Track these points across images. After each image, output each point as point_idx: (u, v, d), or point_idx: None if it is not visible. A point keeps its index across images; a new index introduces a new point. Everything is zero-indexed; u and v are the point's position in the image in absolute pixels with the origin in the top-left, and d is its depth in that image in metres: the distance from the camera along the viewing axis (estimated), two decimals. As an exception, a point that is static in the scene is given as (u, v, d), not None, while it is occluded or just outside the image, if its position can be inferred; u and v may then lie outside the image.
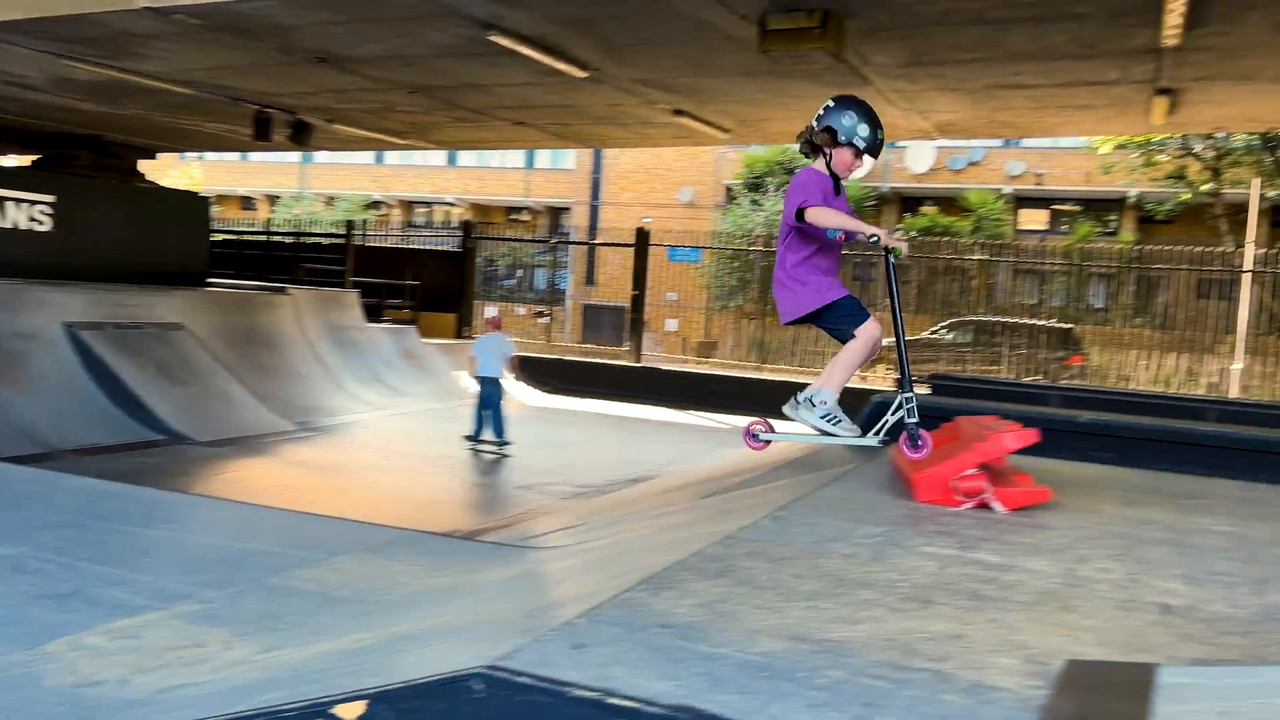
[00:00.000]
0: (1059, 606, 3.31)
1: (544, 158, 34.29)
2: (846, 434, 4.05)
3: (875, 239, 3.87)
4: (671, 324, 29.51)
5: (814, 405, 4.06)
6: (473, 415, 10.92)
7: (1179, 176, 23.35)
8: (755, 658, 2.54)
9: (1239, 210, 22.56)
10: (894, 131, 12.49)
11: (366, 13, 8.56)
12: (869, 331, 3.99)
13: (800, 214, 3.97)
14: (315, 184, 40.01)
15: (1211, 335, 20.11)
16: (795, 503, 5.00)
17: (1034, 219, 29.22)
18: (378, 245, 22.29)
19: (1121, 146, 22.44)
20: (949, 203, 28.42)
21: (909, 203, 29.85)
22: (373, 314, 16.67)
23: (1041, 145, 27.31)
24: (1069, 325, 19.40)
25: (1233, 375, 18.36)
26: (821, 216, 3.85)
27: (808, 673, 2.46)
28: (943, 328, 19.98)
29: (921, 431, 3.92)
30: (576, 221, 31.18)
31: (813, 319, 4.21)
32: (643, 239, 19.29)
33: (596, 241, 25.38)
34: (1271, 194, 23.33)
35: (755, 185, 27.94)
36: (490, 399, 10.67)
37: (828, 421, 4.00)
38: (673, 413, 16.61)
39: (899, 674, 2.53)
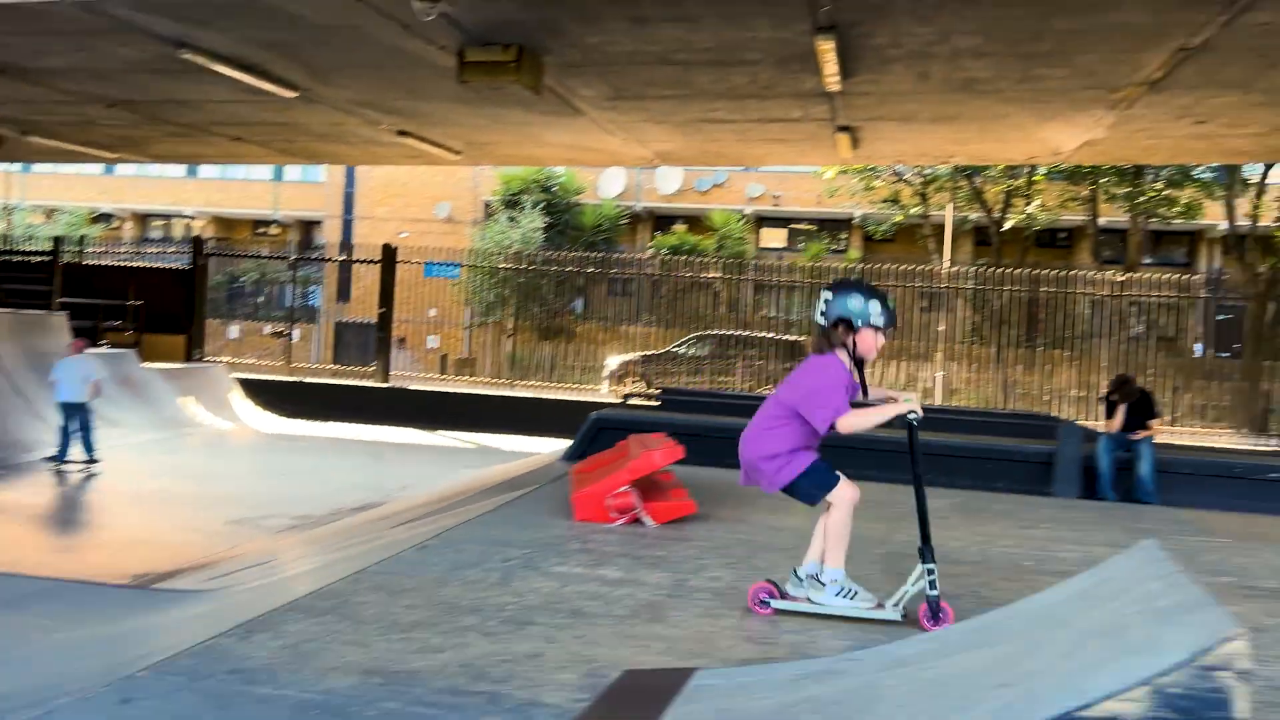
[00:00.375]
0: (651, 618, 3.63)
1: (294, 170, 32.88)
2: (864, 606, 3.71)
3: (914, 415, 3.66)
4: (433, 341, 29.13)
5: (823, 585, 3.74)
6: (57, 437, 10.44)
7: (894, 200, 25.65)
8: (315, 696, 2.65)
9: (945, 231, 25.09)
10: (617, 158, 13.02)
11: (39, 25, 8.00)
12: (844, 496, 3.73)
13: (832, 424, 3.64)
14: (34, 194, 36.43)
15: (927, 345, 22.24)
16: (456, 528, 5.17)
17: (774, 237, 31.17)
18: (98, 263, 20.63)
19: (844, 172, 24.38)
20: (696, 222, 29.82)
21: (661, 221, 31.02)
22: (88, 338, 15.44)
23: (778, 169, 29.17)
24: (797, 338, 20.84)
25: (938, 381, 20.39)
26: (857, 424, 3.62)
27: (361, 707, 2.60)
28: (685, 342, 20.93)
29: (944, 604, 3.62)
30: (329, 236, 30.16)
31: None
32: (389, 255, 18.98)
33: (339, 258, 24.66)
34: (973, 216, 26.08)
35: (513, 202, 28.16)
36: (76, 419, 10.25)
37: (844, 598, 3.70)
38: (420, 434, 16.41)
39: (455, 699, 2.71)
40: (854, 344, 3.68)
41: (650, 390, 18.99)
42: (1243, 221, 21.98)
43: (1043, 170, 22.93)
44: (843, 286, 3.77)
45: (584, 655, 3.14)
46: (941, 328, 20.02)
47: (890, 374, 21.83)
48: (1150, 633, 2.01)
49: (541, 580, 4.05)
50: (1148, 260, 27.92)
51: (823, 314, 3.72)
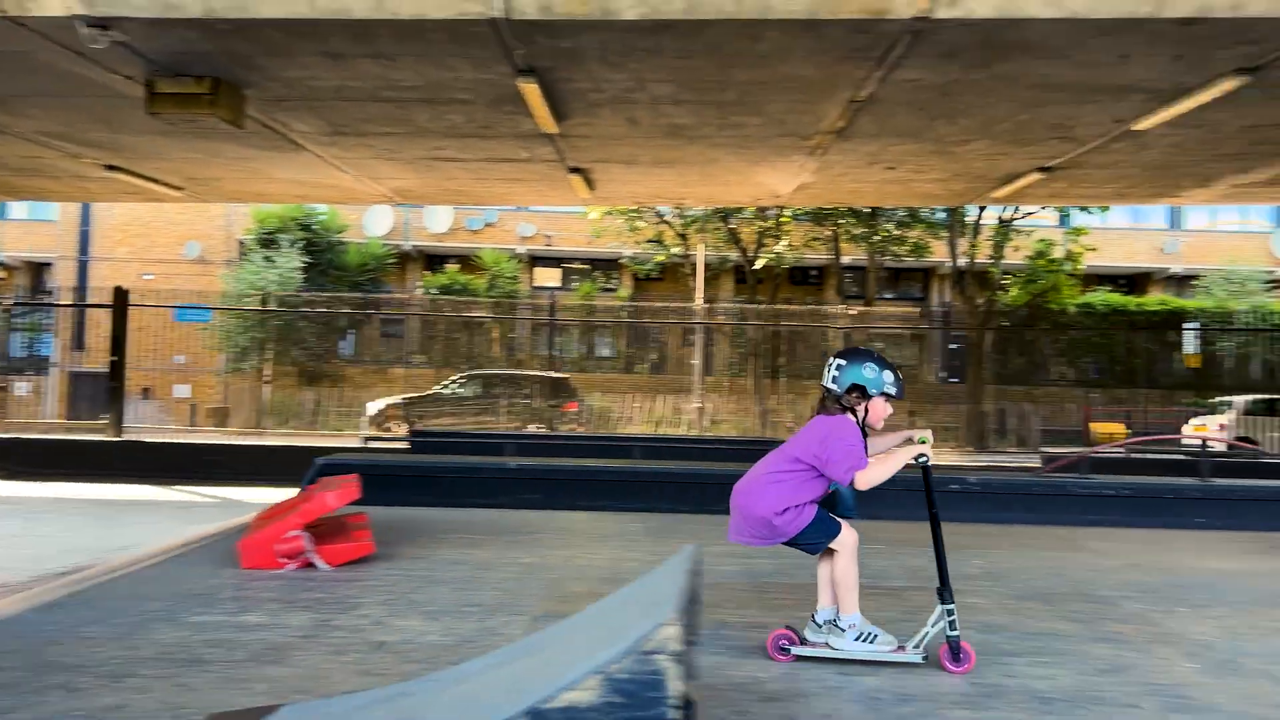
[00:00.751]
0: (272, 660, 3.53)
1: (20, 207, 30.04)
2: (885, 649, 3.66)
3: (924, 459, 3.68)
4: (182, 390, 27.30)
5: (843, 631, 3.67)
6: None
7: (657, 241, 26.52)
8: None
9: (707, 269, 26.20)
10: (354, 195, 12.77)
11: None
12: (847, 542, 3.68)
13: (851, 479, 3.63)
14: None
15: (688, 378, 23.08)
16: (100, 584, 4.86)
17: (549, 276, 31.43)
18: None
19: (609, 213, 24.98)
20: (468, 261, 29.59)
21: (432, 260, 30.59)
22: None
23: (549, 210, 29.48)
24: (564, 375, 21.09)
25: (694, 413, 21.19)
26: (874, 477, 3.59)
27: None
28: (452, 383, 20.68)
29: (964, 645, 3.62)
30: (62, 279, 27.70)
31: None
32: (121, 299, 17.71)
33: (63, 303, 22.81)
34: (733, 256, 27.38)
35: (269, 241, 26.94)
36: None
37: (864, 642, 3.65)
38: (157, 490, 15.30)
39: (-9, 761, 2.53)
40: (865, 411, 3.74)
41: (400, 434, 18.61)
42: (964, 259, 24.28)
43: (790, 212, 24.44)
44: (855, 355, 3.81)
45: (175, 703, 3.02)
46: (695, 361, 20.84)
47: (657, 407, 22.47)
48: (628, 627, 2.16)
49: (170, 631, 3.86)
50: (887, 295, 30.24)
51: (834, 380, 3.75)
